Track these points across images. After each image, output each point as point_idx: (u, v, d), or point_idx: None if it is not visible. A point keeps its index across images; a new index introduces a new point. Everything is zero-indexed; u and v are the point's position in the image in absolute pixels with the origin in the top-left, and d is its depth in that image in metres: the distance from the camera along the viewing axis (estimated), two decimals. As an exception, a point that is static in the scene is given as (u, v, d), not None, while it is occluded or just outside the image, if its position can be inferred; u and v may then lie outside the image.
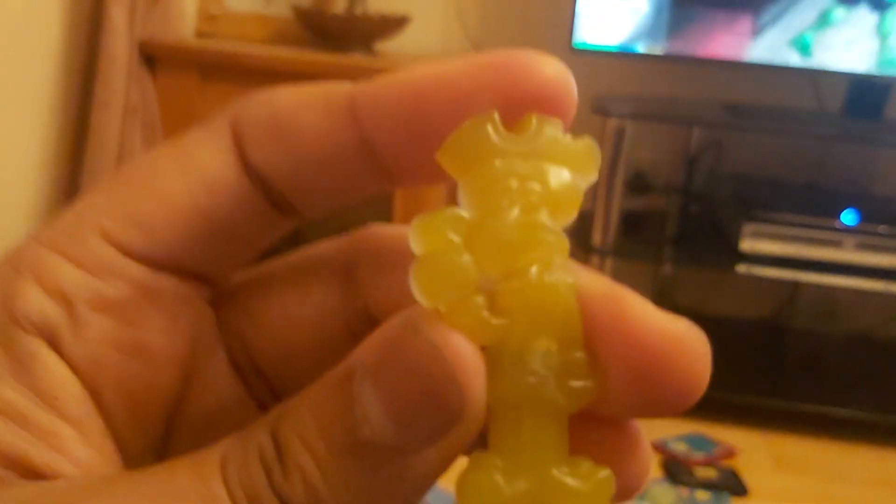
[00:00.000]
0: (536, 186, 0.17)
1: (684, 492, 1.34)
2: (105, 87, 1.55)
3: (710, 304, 1.97)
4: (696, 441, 1.51)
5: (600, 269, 1.60)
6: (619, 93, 1.82)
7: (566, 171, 0.18)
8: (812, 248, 1.54)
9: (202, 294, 0.21)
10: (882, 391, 1.68)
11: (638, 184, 1.85)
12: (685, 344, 0.18)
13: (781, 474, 1.46)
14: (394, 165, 0.20)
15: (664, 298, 1.90)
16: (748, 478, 1.42)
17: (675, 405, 0.18)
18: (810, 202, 1.65)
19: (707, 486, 1.37)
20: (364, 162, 0.20)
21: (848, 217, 1.55)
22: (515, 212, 0.17)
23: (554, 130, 0.18)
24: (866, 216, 1.55)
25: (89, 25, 1.61)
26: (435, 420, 0.16)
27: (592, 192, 1.62)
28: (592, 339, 0.17)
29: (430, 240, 0.17)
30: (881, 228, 1.53)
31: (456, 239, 0.17)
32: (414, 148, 0.19)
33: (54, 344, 0.19)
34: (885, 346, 1.87)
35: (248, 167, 0.20)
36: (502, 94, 0.18)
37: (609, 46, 1.66)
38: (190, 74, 1.60)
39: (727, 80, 1.84)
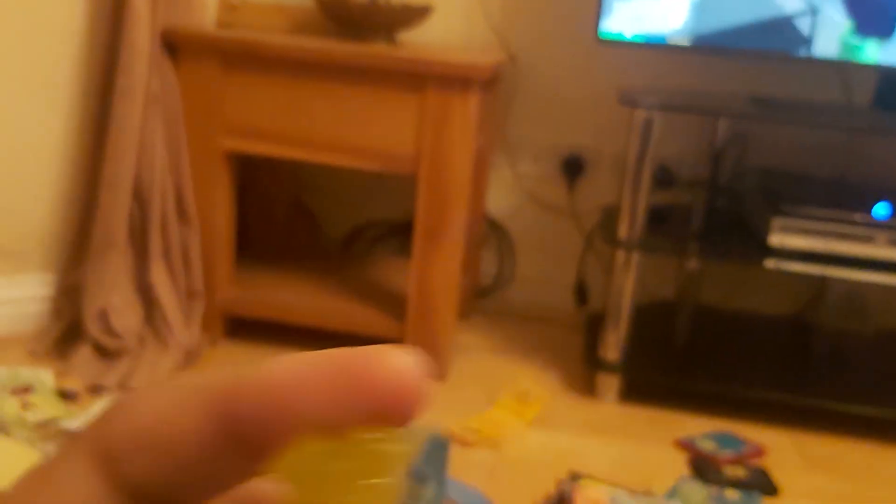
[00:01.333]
0: (354, 501, 0.19)
1: (714, 490, 1.32)
2: (127, 76, 1.54)
3: (736, 300, 1.94)
4: (724, 439, 1.48)
5: (626, 262, 1.58)
6: (646, 84, 1.79)
7: (382, 479, 0.19)
8: (842, 244, 1.51)
9: None
10: (912, 389, 1.65)
11: (664, 178, 1.83)
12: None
13: (812, 473, 1.44)
14: (267, 448, 0.20)
15: (690, 294, 1.88)
16: (778, 477, 1.39)
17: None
18: (840, 196, 1.62)
19: (737, 484, 1.35)
20: (236, 451, 0.20)
21: (880, 211, 1.51)
22: None
23: (375, 447, 0.19)
24: (899, 211, 1.52)
25: (112, 15, 1.60)
26: None
27: (618, 186, 1.59)
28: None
29: None
30: (915, 223, 1.50)
31: None
32: (284, 434, 0.20)
33: None
34: (915, 344, 1.84)
35: (127, 486, 0.20)
36: (355, 395, 0.19)
37: (635, 37, 1.63)
38: (211, 63, 1.59)
39: (755, 72, 1.81)
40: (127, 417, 0.20)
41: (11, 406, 1.38)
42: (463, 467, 1.32)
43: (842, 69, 1.73)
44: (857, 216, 1.51)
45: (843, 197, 1.61)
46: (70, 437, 0.19)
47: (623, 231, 1.57)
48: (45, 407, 1.39)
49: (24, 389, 1.44)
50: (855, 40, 1.57)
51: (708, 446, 1.45)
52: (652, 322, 1.83)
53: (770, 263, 1.53)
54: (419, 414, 0.20)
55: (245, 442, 0.20)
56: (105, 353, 1.57)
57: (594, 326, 1.73)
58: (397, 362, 0.20)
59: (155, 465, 0.20)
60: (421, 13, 1.72)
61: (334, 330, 1.68)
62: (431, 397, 0.20)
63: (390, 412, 0.20)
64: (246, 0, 1.83)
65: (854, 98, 1.77)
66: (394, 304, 1.71)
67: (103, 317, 1.58)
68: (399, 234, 1.98)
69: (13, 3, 1.57)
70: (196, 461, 0.20)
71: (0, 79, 1.58)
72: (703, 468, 1.39)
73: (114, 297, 1.59)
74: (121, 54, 1.54)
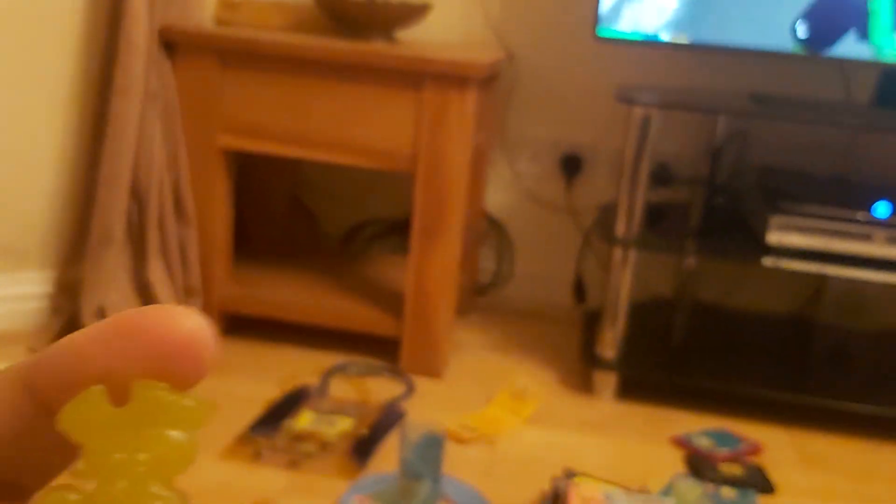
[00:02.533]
0: (142, 455, 0.19)
1: (709, 488, 1.32)
2: (125, 74, 1.54)
3: (734, 298, 1.94)
4: (721, 437, 1.48)
5: (624, 260, 1.58)
6: (644, 82, 1.79)
7: (173, 431, 0.20)
8: (841, 242, 1.51)
9: None
10: (910, 388, 1.65)
11: (662, 175, 1.83)
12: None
13: (808, 471, 1.44)
14: None
15: (688, 291, 1.88)
16: (774, 475, 1.39)
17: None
18: (839, 194, 1.62)
19: (733, 482, 1.35)
20: (50, 423, 0.21)
21: (879, 209, 1.51)
22: (123, 485, 0.19)
23: (158, 394, 0.20)
24: (897, 209, 1.52)
25: (110, 12, 1.60)
26: None
27: (616, 184, 1.59)
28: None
29: None
30: (912, 221, 1.50)
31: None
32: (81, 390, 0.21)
33: None
34: (913, 342, 1.83)
35: None
36: (135, 349, 0.20)
37: (633, 35, 1.63)
38: (209, 61, 1.59)
39: (753, 69, 1.81)
40: None
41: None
42: (459, 464, 1.32)
43: (842, 66, 1.73)
44: (856, 214, 1.51)
45: (842, 195, 1.61)
46: None
47: (621, 229, 1.57)
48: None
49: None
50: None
51: (704, 444, 1.45)
52: (649, 319, 1.83)
53: (768, 261, 1.53)
54: (206, 374, 0.21)
55: (52, 408, 0.20)
56: (103, 350, 1.57)
57: (592, 324, 1.73)
58: (187, 321, 0.20)
59: None
60: (419, 11, 1.72)
61: (332, 327, 1.69)
62: (216, 360, 0.21)
63: (178, 368, 0.20)
64: (245, -3, 1.83)
65: (854, 96, 1.76)
66: (392, 302, 1.71)
67: (101, 314, 1.58)
68: (397, 231, 1.98)
69: (10, 2, 1.57)
70: (16, 437, 0.21)
71: (-1, 76, 1.59)
72: (699, 466, 1.39)
73: (112, 295, 1.59)
74: (119, 52, 1.54)
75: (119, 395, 0.20)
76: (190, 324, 0.20)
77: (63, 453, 0.21)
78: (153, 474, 0.19)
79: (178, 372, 0.20)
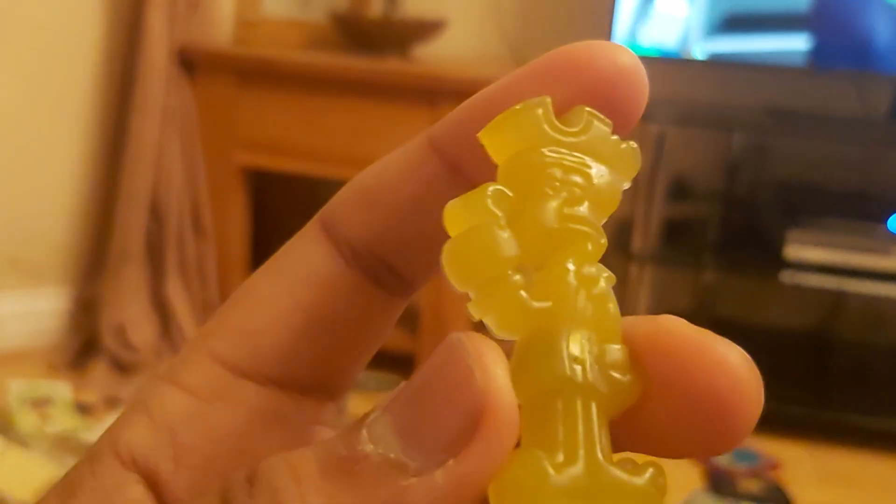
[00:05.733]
0: (580, 180, 0.17)
1: (728, 504, 1.31)
2: (144, 92, 1.56)
3: (752, 313, 1.93)
4: (740, 452, 1.47)
5: (640, 276, 1.58)
6: (660, 98, 1.79)
7: (608, 170, 0.17)
8: (859, 256, 1.51)
9: (316, 413, 0.20)
10: (931, 403, 1.64)
11: (678, 190, 1.82)
12: (738, 368, 0.16)
13: (827, 488, 1.43)
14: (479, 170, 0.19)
15: (705, 307, 1.87)
16: (793, 491, 1.38)
17: (716, 443, 0.16)
18: (857, 208, 1.61)
19: (751, 498, 1.34)
20: (458, 193, 0.18)
21: (896, 224, 1.51)
22: (558, 202, 0.16)
23: (603, 127, 0.17)
24: (915, 223, 1.51)
25: (128, 31, 1.62)
26: (445, 433, 0.14)
27: (632, 199, 1.59)
28: (633, 354, 0.16)
29: (469, 215, 0.16)
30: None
31: (499, 212, 0.16)
32: None
33: (153, 479, 0.18)
34: (934, 357, 1.82)
35: (347, 251, 0.19)
36: (570, 84, 0.17)
37: (649, 50, 1.63)
38: (227, 80, 1.60)
39: (770, 84, 1.81)
40: (349, 186, 0.20)
41: (30, 419, 1.39)
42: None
43: (858, 80, 1.72)
44: (875, 228, 1.51)
45: (860, 209, 1.60)
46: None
47: (637, 244, 1.57)
48: (63, 419, 1.41)
49: (43, 402, 1.45)
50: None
51: (723, 459, 1.44)
52: (667, 335, 1.82)
53: (786, 276, 1.53)
54: (640, 115, 0.18)
55: (463, 169, 0.18)
56: (122, 367, 1.58)
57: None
58: (626, 54, 0.17)
59: (374, 219, 0.19)
60: (434, 28, 1.73)
61: (349, 343, 1.69)
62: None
63: (618, 105, 0.17)
64: (263, 16, 1.85)
65: (870, 109, 1.76)
66: (407, 317, 1.71)
67: (120, 331, 1.59)
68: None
69: (31, 21, 1.59)
70: (418, 207, 0.19)
71: (18, 95, 1.61)
72: (718, 481, 1.38)
73: (130, 311, 1.60)
74: (137, 71, 1.56)
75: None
76: (628, 57, 0.17)
77: None
78: (588, 202, 0.17)
79: (619, 109, 0.17)
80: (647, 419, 0.16)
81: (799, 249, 1.52)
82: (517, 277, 0.16)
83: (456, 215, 0.16)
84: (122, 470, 0.18)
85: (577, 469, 0.15)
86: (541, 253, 0.16)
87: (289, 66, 1.59)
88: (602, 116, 0.17)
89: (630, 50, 0.18)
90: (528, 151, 0.16)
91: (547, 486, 0.14)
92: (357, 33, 1.72)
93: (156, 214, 1.62)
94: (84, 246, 1.72)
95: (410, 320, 1.69)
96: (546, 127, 0.17)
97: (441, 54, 1.88)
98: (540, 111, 0.17)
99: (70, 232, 1.71)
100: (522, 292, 0.16)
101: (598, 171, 0.17)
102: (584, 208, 0.17)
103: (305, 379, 0.19)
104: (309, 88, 1.59)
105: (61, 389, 1.49)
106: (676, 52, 1.63)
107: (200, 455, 0.18)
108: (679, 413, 0.16)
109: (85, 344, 1.64)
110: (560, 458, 0.15)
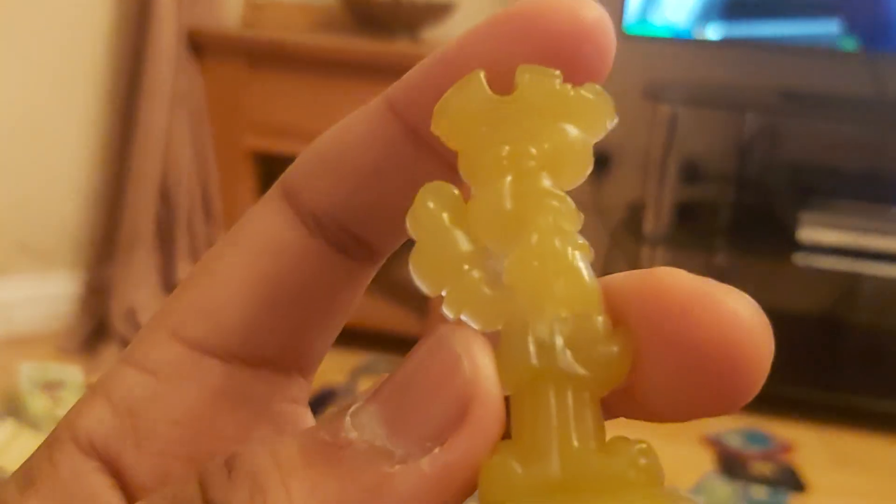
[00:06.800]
0: (532, 149, 0.16)
1: (740, 487, 1.31)
2: (153, 76, 1.55)
3: (765, 296, 1.90)
4: (752, 435, 1.47)
5: (652, 259, 1.57)
6: (672, 79, 1.78)
7: (569, 126, 0.16)
8: (872, 238, 1.49)
9: (285, 389, 0.19)
10: (945, 386, 1.63)
11: (691, 172, 1.81)
12: (749, 321, 0.15)
13: (840, 471, 1.42)
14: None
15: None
16: (806, 474, 1.37)
17: (723, 403, 0.15)
18: (870, 190, 1.60)
19: (763, 481, 1.34)
20: (419, 156, 0.18)
21: (911, 205, 1.49)
22: (508, 180, 0.16)
23: (550, 82, 0.16)
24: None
25: (137, 15, 1.61)
26: (432, 421, 0.14)
27: (643, 181, 1.58)
28: (622, 314, 0.15)
29: (421, 224, 0.16)
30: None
31: (445, 217, 0.16)
32: None
33: (115, 465, 0.17)
34: (948, 340, 1.80)
35: (310, 219, 0.18)
36: (529, 43, 0.16)
37: (662, 31, 1.62)
38: (237, 62, 1.60)
39: (783, 65, 1.79)
40: (308, 150, 0.19)
41: (42, 402, 1.40)
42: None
43: (871, 61, 1.70)
44: (888, 210, 1.49)
45: (874, 190, 1.59)
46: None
47: (649, 227, 1.56)
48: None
49: (54, 385, 1.46)
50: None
51: (735, 442, 1.44)
52: (679, 318, 1.81)
53: (799, 258, 1.52)
54: (606, 75, 0.17)
55: (420, 131, 0.17)
56: (133, 351, 1.59)
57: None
58: (590, 10, 0.16)
59: (335, 186, 0.18)
60: (444, 10, 1.72)
61: (356, 326, 1.69)
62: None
63: (581, 63, 0.16)
64: (271, -1, 1.84)
65: (883, 91, 1.74)
66: (416, 302, 1.71)
67: (130, 315, 1.60)
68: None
69: (40, 5, 1.59)
70: (379, 173, 0.18)
71: (27, 79, 1.61)
72: (730, 464, 1.38)
73: (141, 295, 1.61)
74: (146, 54, 1.56)
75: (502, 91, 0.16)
76: (593, 12, 0.16)
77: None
78: (547, 170, 0.16)
79: (583, 68, 0.16)
80: (643, 382, 0.15)
81: (812, 231, 1.51)
82: (474, 274, 0.15)
83: (411, 224, 0.16)
84: (81, 457, 0.17)
85: (549, 464, 0.14)
86: (505, 237, 0.16)
87: (298, 49, 1.58)
88: (548, 70, 0.16)
89: (596, 4, 0.16)
90: (469, 136, 0.16)
91: (514, 486, 0.14)
92: (366, 16, 1.71)
93: (165, 198, 1.62)
94: (94, 230, 1.72)
95: (420, 305, 1.69)
96: (484, 104, 0.16)
97: (450, 36, 1.87)
98: (472, 89, 0.16)
99: (80, 216, 1.71)
100: (482, 287, 0.15)
101: (554, 133, 0.16)
102: (541, 179, 0.16)
103: (272, 353, 0.19)
104: (318, 71, 1.58)
105: (72, 373, 1.50)
106: (689, 33, 1.61)
107: (163, 438, 0.18)
108: (682, 373, 0.15)
109: (95, 328, 1.65)
110: (528, 449, 0.15)
